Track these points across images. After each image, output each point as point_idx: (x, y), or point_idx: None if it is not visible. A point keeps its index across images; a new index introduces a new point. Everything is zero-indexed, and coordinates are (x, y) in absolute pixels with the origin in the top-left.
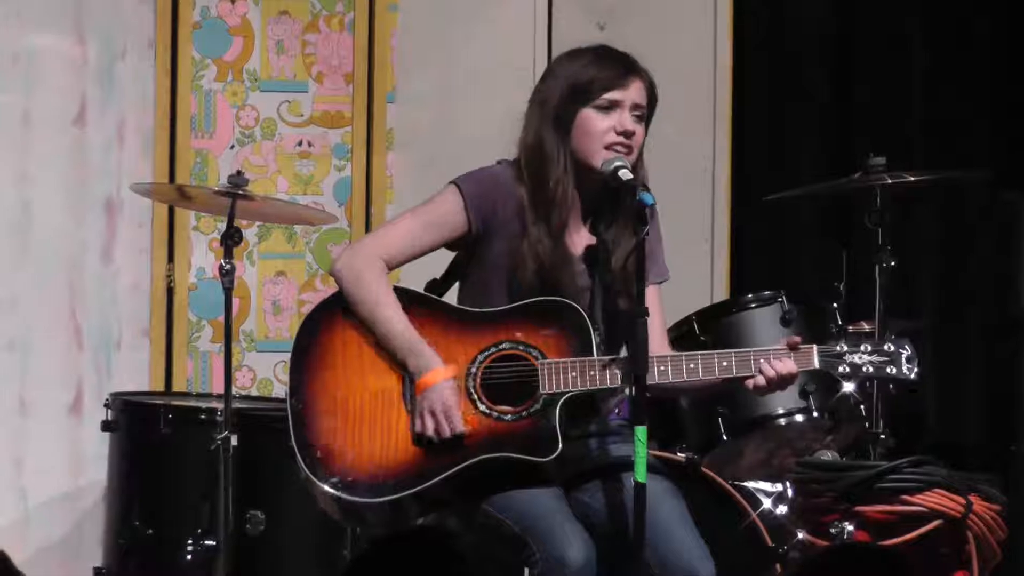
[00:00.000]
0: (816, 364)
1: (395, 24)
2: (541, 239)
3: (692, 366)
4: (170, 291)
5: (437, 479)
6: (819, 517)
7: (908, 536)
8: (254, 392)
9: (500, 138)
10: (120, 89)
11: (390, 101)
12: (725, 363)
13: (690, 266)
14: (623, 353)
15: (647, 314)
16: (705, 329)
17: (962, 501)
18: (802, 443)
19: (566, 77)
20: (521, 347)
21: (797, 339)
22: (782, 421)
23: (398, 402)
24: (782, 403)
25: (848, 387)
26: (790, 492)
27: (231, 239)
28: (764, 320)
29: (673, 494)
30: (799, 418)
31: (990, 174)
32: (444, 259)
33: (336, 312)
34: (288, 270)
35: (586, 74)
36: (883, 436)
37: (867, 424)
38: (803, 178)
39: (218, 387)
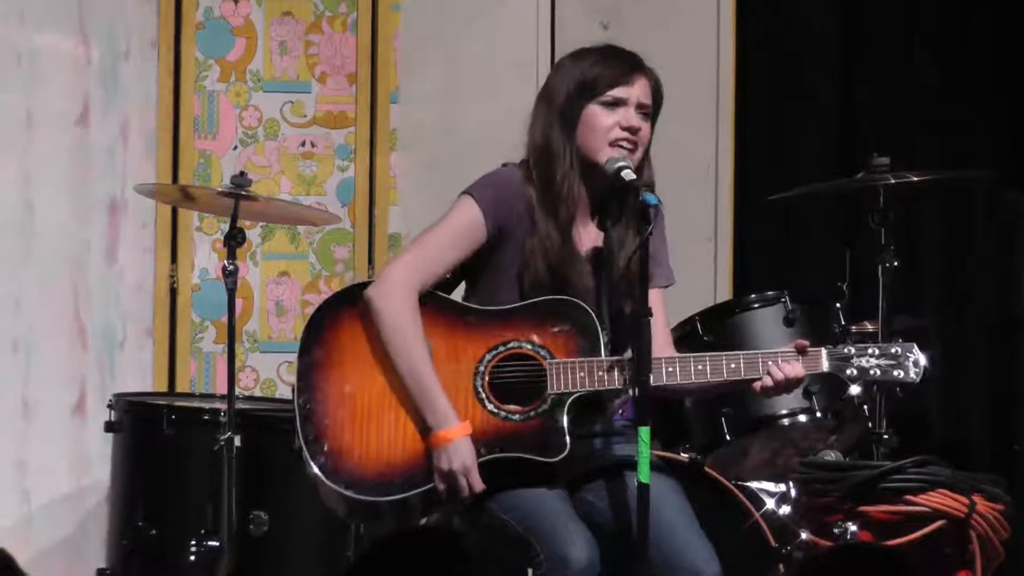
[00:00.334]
0: (825, 367)
1: (398, 24)
2: (550, 234)
3: (700, 368)
4: (173, 292)
5: None
6: (823, 517)
7: (912, 536)
8: (257, 393)
9: (503, 138)
10: (123, 90)
11: (393, 101)
12: (733, 365)
13: (693, 266)
14: (630, 354)
15: (651, 314)
16: (708, 329)
17: (965, 501)
18: (806, 443)
19: (572, 75)
20: (529, 346)
21: (806, 343)
22: (786, 421)
23: (406, 400)
24: (786, 403)
25: (852, 388)
26: (794, 492)
27: (234, 240)
28: (767, 320)
29: (678, 494)
30: (803, 418)
31: (992, 174)
32: None
33: (342, 310)
34: (291, 271)
35: (592, 71)
36: (886, 436)
37: (870, 424)
38: (805, 178)
39: (221, 388)
